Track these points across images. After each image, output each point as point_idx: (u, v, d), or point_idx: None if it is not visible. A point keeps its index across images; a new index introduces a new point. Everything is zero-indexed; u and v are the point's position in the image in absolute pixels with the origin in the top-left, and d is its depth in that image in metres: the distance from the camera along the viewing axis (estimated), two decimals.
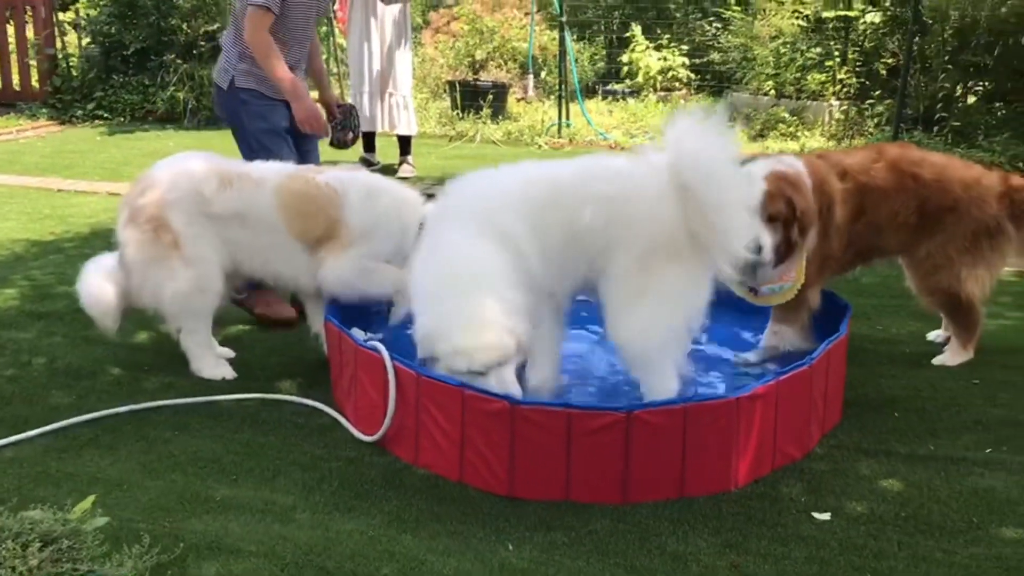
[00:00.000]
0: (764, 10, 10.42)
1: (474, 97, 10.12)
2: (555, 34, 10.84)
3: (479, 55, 11.01)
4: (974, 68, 8.79)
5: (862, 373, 3.92)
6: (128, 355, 4.19)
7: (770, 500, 3.02)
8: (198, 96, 10.50)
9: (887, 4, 9.31)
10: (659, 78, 11.08)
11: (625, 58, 11.42)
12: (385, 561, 2.68)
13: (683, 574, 2.65)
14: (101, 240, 6.03)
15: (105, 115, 10.87)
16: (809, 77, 9.80)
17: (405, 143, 8.10)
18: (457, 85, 10.32)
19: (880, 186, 3.79)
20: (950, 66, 8.83)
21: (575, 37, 11.72)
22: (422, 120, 9.67)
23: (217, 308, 3.94)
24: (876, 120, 9.14)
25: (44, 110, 11.08)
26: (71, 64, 11.33)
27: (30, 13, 11.48)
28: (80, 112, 10.95)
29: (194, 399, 3.73)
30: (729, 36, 10.88)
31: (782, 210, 3.52)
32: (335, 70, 10.85)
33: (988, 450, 3.33)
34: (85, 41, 11.55)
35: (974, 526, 2.87)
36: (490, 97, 10.01)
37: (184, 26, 10.59)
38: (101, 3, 11.30)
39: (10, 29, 11.46)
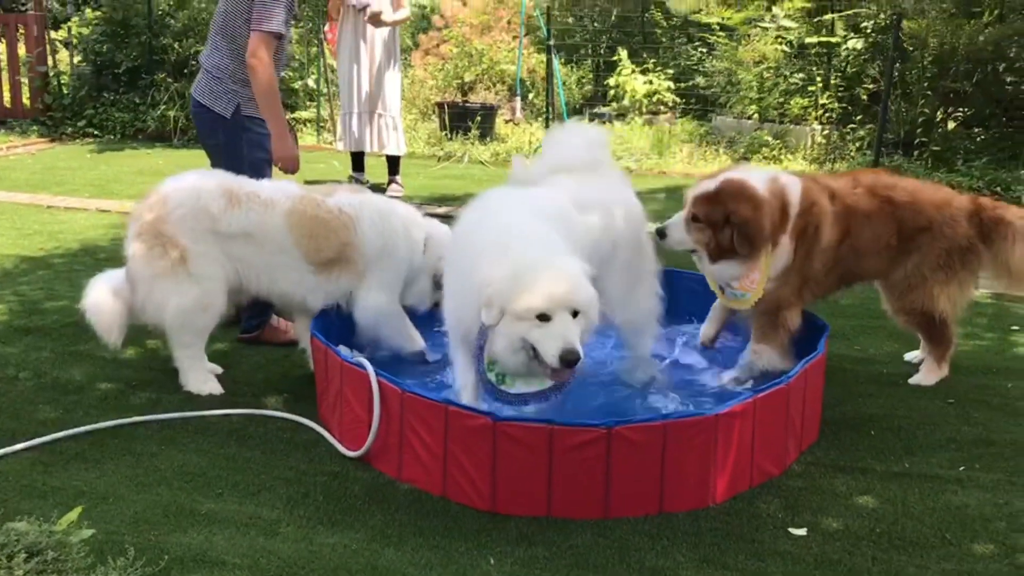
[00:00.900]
0: (748, 35, 10.59)
1: (462, 118, 10.22)
2: (543, 57, 10.97)
3: (468, 77, 11.13)
4: (953, 94, 8.98)
5: (840, 392, 3.99)
6: (115, 370, 4.22)
7: (748, 516, 3.07)
8: (188, 115, 10.54)
9: (868, 31, 9.48)
10: (645, 101, 11.21)
11: (612, 81, 11.55)
12: (368, 575, 2.71)
13: None
14: (90, 256, 6.07)
15: (95, 133, 10.91)
16: (792, 102, 9.96)
17: (394, 163, 8.18)
18: (446, 106, 10.43)
19: (863, 210, 3.89)
20: (930, 92, 9.00)
21: (563, 60, 11.86)
22: (411, 141, 9.76)
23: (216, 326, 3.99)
24: (857, 144, 9.28)
25: (35, 127, 11.11)
26: (62, 82, 11.38)
27: (22, 31, 11.53)
28: (71, 129, 11.00)
29: (181, 414, 3.76)
30: (714, 61, 11.04)
31: (708, 213, 3.70)
32: (325, 91, 10.95)
33: (962, 468, 3.40)
34: (77, 59, 11.60)
35: (947, 542, 2.93)
36: (478, 118, 10.11)
37: (175, 45, 10.67)
38: (93, 22, 11.38)
39: (1, 47, 11.52)
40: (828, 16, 9.77)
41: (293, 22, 11.75)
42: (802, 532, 2.98)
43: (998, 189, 8.00)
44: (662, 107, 11.29)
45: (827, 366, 3.80)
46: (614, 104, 11.54)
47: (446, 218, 4.50)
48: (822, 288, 3.99)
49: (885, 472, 3.36)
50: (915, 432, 3.67)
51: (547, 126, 10.42)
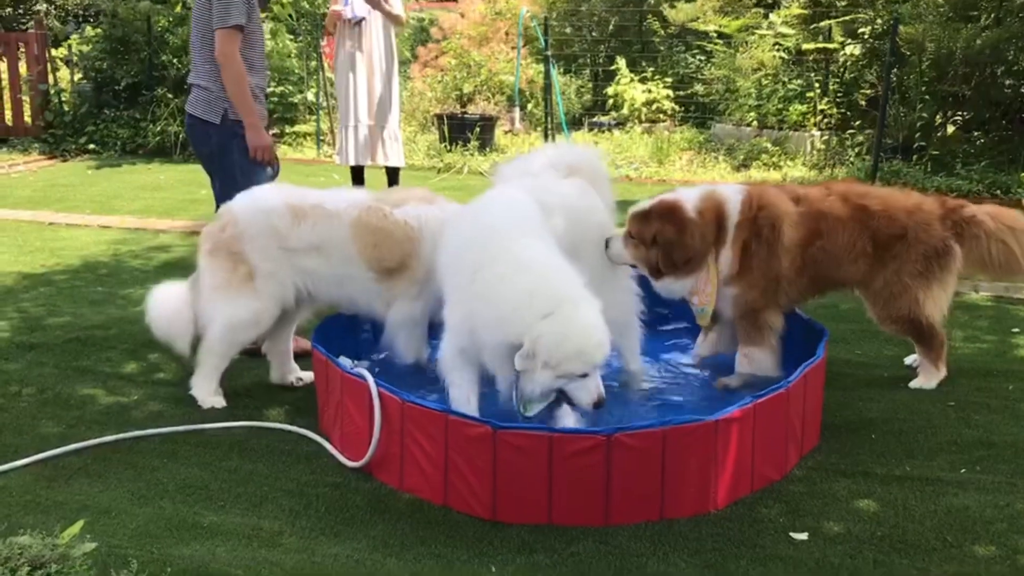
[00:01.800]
0: (746, 43, 10.63)
1: (462, 130, 10.26)
2: (541, 67, 11.02)
3: (467, 88, 11.19)
4: (952, 98, 8.99)
5: (840, 396, 3.99)
6: (117, 385, 4.24)
7: (749, 521, 3.08)
8: None
9: (866, 36, 9.51)
10: (644, 110, 11.25)
11: (610, 90, 11.59)
12: None
13: None
14: (91, 272, 6.10)
15: (96, 149, 10.97)
16: (791, 108, 9.99)
17: (393, 175, 8.19)
18: (445, 118, 10.47)
19: (836, 215, 3.94)
20: (928, 97, 9.02)
21: (561, 70, 11.91)
22: (410, 152, 9.79)
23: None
24: (857, 150, 9.30)
25: (36, 145, 11.18)
26: (63, 99, 11.45)
27: (23, 49, 11.61)
28: (72, 146, 11.06)
29: (182, 427, 3.77)
30: (712, 68, 11.08)
31: (640, 232, 3.83)
32: (324, 104, 11.00)
33: (963, 470, 3.40)
34: (77, 76, 11.68)
35: (948, 544, 2.93)
36: (477, 129, 10.15)
37: (175, 61, 10.74)
38: (93, 39, 11.45)
39: (3, 65, 11.60)
40: (825, 22, 9.81)
41: (292, 34, 11.85)
42: (803, 536, 2.98)
43: (998, 192, 8.02)
44: (661, 115, 11.32)
45: (827, 370, 3.80)
46: (613, 113, 11.58)
47: None
48: (796, 289, 3.99)
49: (886, 475, 3.36)
50: (916, 435, 3.67)
51: (546, 136, 10.46)
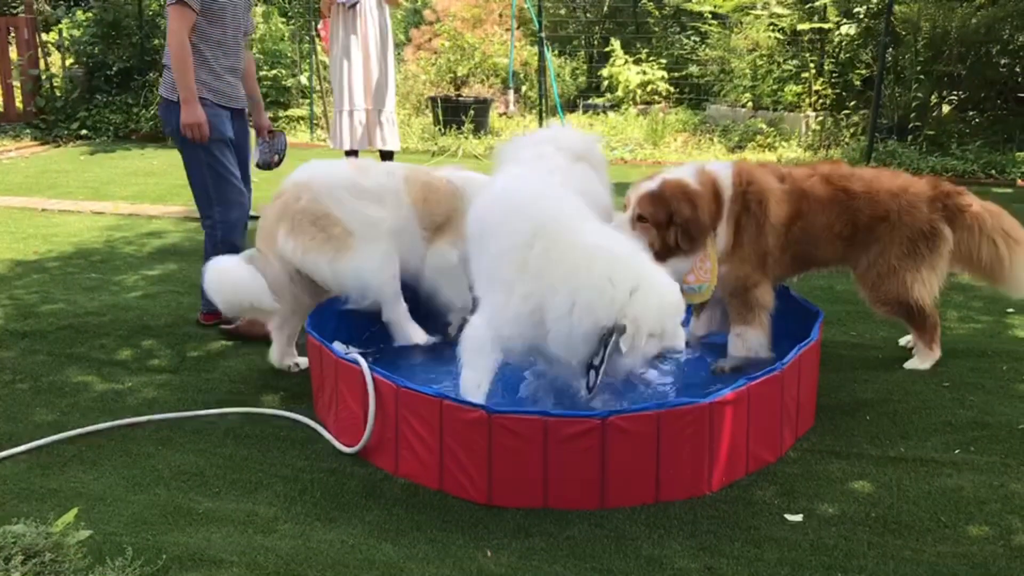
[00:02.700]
0: (740, 23, 10.57)
1: (456, 113, 10.21)
2: (535, 49, 10.96)
3: (461, 71, 11.11)
4: (947, 78, 8.96)
5: (835, 378, 4.00)
6: (111, 372, 4.23)
7: (743, 503, 3.08)
8: None
9: (861, 16, 9.46)
10: (639, 92, 11.20)
11: (605, 72, 11.53)
12: (365, 570, 2.72)
13: None
14: (84, 259, 6.07)
15: (89, 135, 10.91)
16: (786, 89, 9.95)
17: (388, 159, 8.16)
18: (439, 101, 10.42)
19: (817, 195, 3.93)
20: (923, 76, 8.99)
21: (556, 52, 11.84)
22: (405, 136, 9.75)
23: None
24: (852, 130, 9.28)
25: (28, 130, 11.10)
26: (55, 84, 11.36)
27: (13, 34, 11.51)
28: (64, 132, 10.99)
29: (177, 414, 3.77)
30: (707, 49, 11.03)
31: (653, 213, 3.77)
32: (318, 87, 10.93)
33: (957, 451, 3.41)
34: (68, 61, 11.59)
35: (942, 525, 2.94)
36: (472, 112, 10.10)
37: None
38: (84, 23, 11.35)
39: None
40: (820, 2, 9.75)
41: (284, 16, 11.75)
42: (798, 518, 2.99)
43: (993, 172, 8.01)
44: (656, 97, 11.28)
45: (822, 352, 3.81)
46: (608, 95, 11.53)
47: None
48: (780, 267, 3.99)
49: (880, 457, 3.37)
50: (910, 416, 3.68)
51: (541, 118, 10.41)
